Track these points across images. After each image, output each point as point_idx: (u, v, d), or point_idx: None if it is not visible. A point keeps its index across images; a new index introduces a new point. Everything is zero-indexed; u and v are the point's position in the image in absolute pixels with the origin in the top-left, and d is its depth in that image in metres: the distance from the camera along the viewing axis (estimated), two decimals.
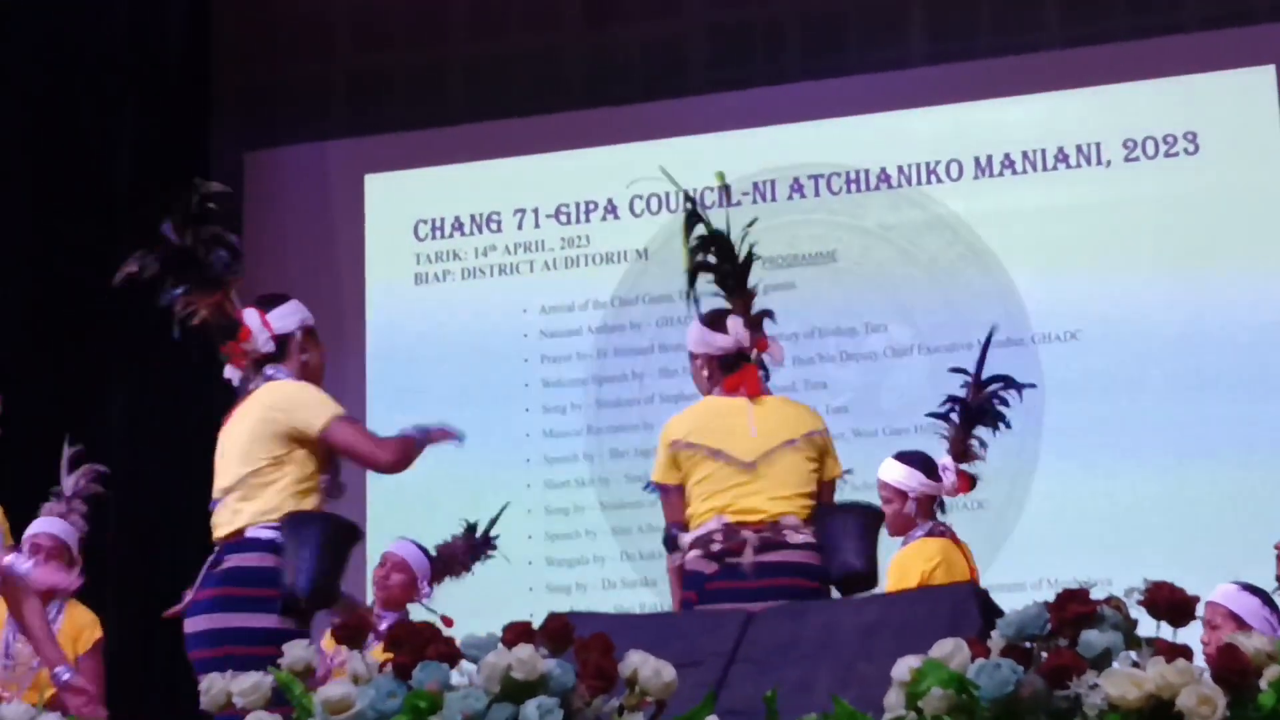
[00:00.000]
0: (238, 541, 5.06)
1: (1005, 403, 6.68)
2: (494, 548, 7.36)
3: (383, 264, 9.55)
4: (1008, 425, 6.60)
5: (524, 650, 2.88)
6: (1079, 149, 8.73)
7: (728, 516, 5.51)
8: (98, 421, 9.04)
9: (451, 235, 9.48)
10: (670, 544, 5.62)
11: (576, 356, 9.28)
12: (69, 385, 8.94)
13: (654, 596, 8.70)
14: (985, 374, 6.72)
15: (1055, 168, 8.76)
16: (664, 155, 9.27)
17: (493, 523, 7.06)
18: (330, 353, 9.61)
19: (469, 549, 7.34)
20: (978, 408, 6.66)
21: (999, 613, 3.42)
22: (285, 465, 5.11)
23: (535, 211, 9.41)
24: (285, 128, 9.82)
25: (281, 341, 5.34)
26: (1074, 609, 2.87)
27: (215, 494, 5.21)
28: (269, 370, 5.30)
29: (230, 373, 5.37)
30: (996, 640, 2.91)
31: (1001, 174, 8.84)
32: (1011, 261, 8.76)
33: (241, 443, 5.16)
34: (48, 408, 8.64)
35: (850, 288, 8.90)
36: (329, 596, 4.98)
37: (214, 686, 2.98)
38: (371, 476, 9.21)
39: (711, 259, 5.92)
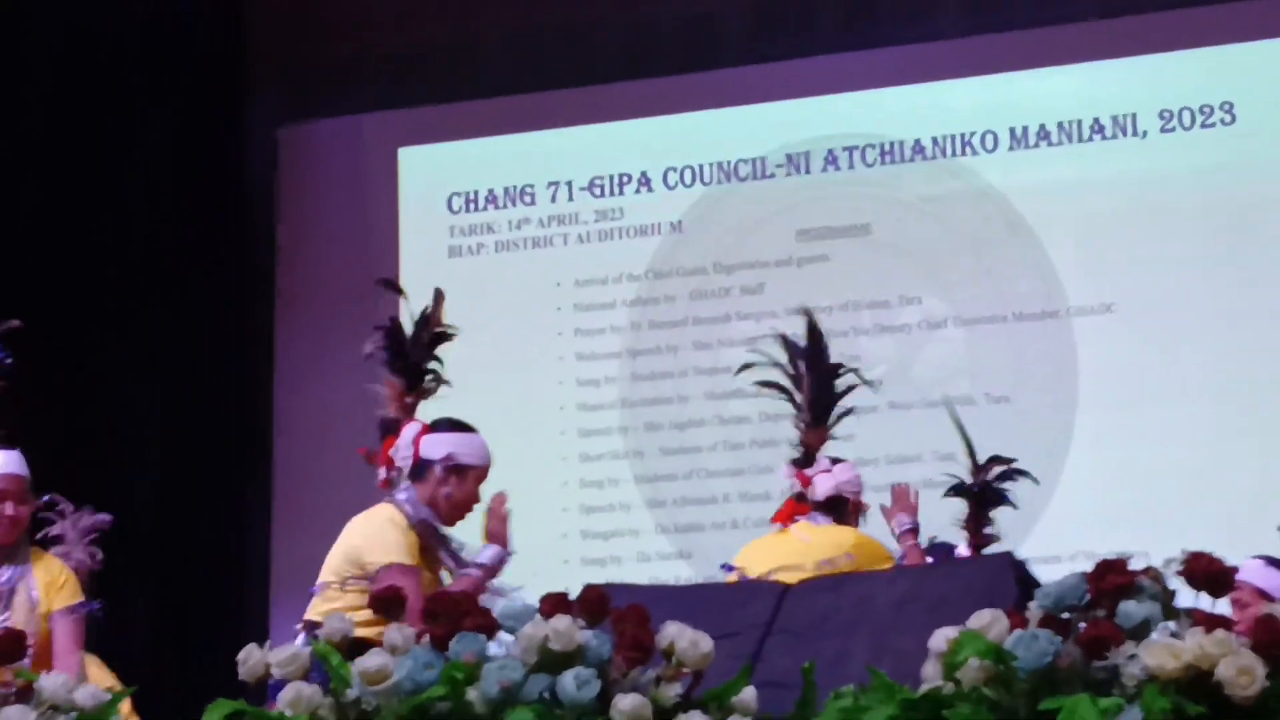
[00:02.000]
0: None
1: (1009, 482, 6.54)
2: None
3: (416, 237, 9.55)
4: (1015, 507, 6.48)
5: (561, 621, 2.89)
6: (1115, 120, 8.69)
7: None
8: (131, 399, 9.09)
9: (485, 208, 9.48)
10: None
11: (610, 330, 9.27)
12: (104, 357, 8.97)
13: (689, 569, 8.71)
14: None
15: (1091, 139, 8.72)
16: (698, 127, 9.28)
17: None
18: (363, 326, 9.68)
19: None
20: (983, 492, 6.50)
21: (1036, 584, 3.42)
22: (353, 586, 5.12)
23: (569, 184, 9.41)
24: (320, 102, 9.82)
25: (422, 464, 5.35)
26: (1112, 580, 2.87)
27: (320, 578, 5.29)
28: (401, 488, 5.37)
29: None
30: (1034, 611, 2.90)
31: (1037, 145, 8.80)
32: (1047, 233, 8.72)
33: (335, 547, 5.29)
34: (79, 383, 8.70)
35: (885, 260, 8.88)
36: None
37: (251, 657, 2.99)
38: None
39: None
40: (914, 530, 6.05)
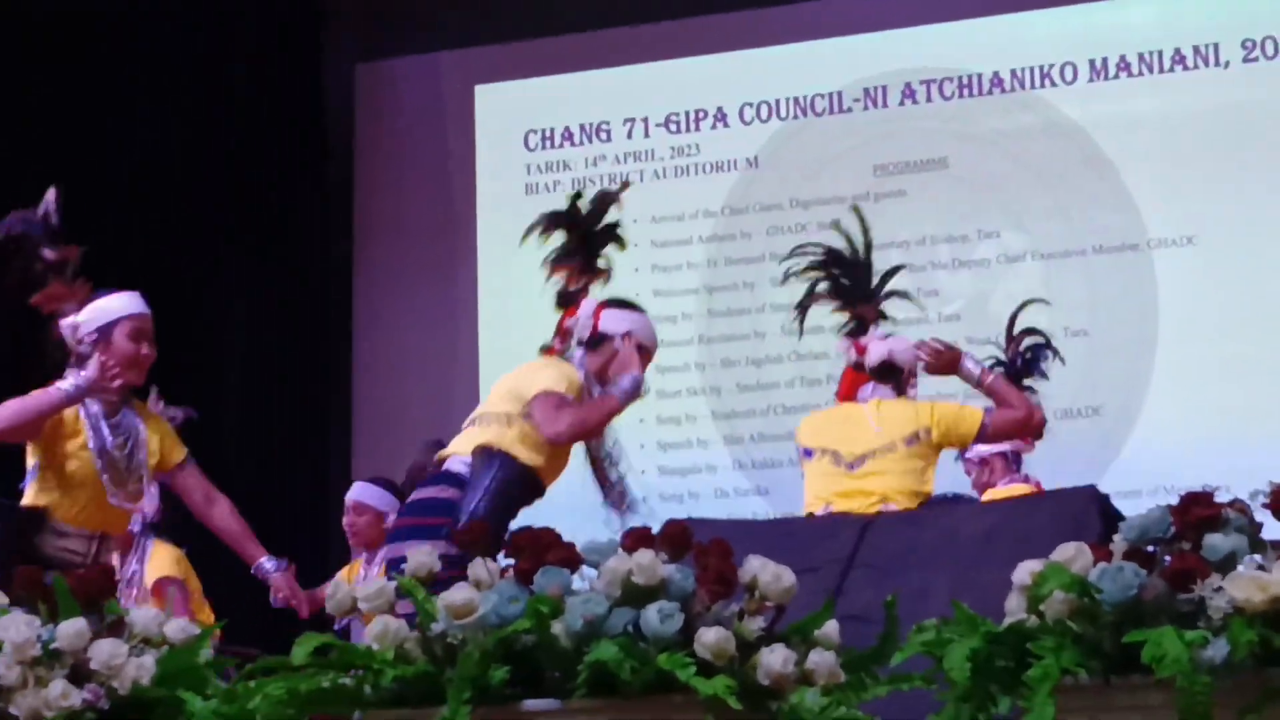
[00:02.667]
0: (434, 474, 5.29)
1: (1041, 354, 6.62)
2: None
3: (493, 174, 9.56)
4: (1045, 376, 6.50)
5: (644, 555, 2.89)
6: (1196, 50, 8.60)
7: (834, 506, 5.59)
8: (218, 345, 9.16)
9: (561, 145, 9.47)
10: None
11: (687, 266, 9.26)
12: (191, 293, 9.03)
13: (766, 505, 8.72)
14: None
15: (1172, 70, 8.63)
16: (775, 61, 9.24)
17: None
18: (442, 264, 9.71)
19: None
20: (1015, 363, 6.64)
21: (1119, 517, 3.41)
22: (510, 417, 5.24)
23: (645, 121, 9.39)
24: (397, 39, 9.83)
25: (600, 338, 5.47)
26: (1197, 512, 2.85)
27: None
28: (574, 353, 5.49)
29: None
30: (1119, 544, 2.89)
31: (1117, 77, 8.72)
32: (1126, 166, 8.65)
33: (499, 387, 5.39)
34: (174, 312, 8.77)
35: (962, 194, 8.83)
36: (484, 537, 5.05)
37: (339, 591, 3.01)
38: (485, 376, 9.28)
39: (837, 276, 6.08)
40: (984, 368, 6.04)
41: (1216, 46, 8.55)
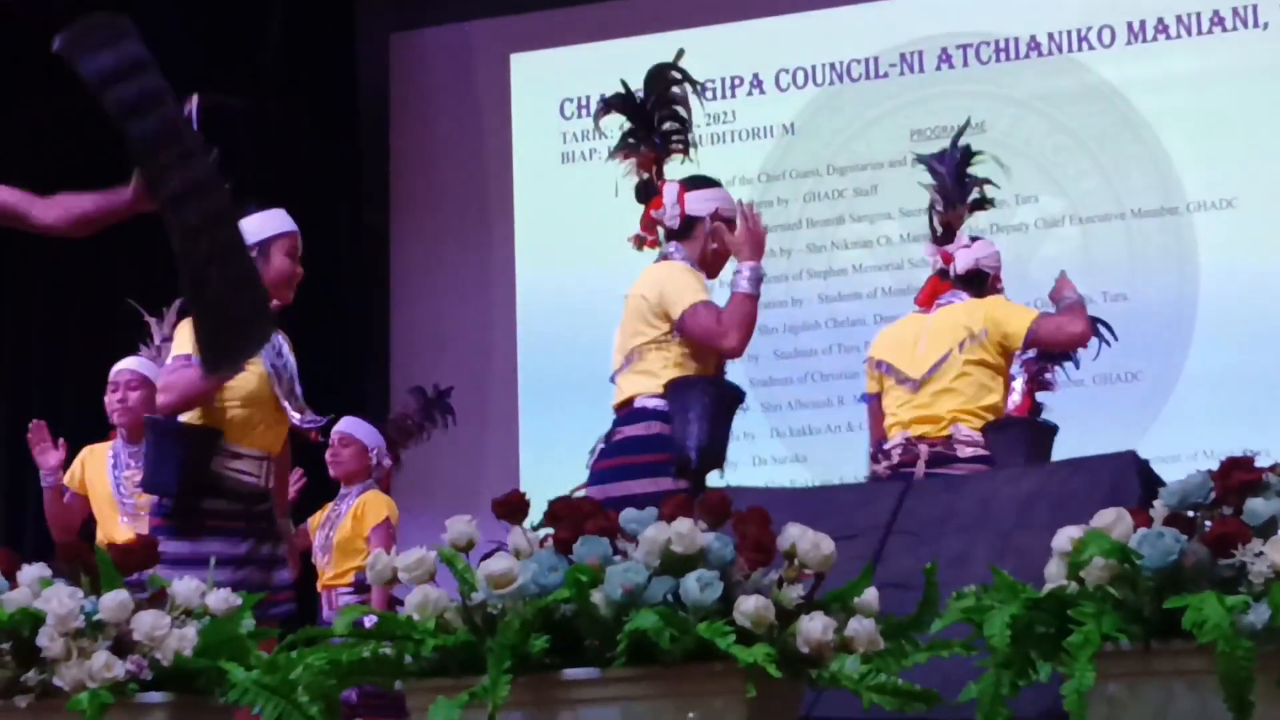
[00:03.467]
0: (629, 412, 5.28)
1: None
2: (449, 410, 7.50)
3: (529, 143, 9.56)
4: (1077, 365, 6.49)
5: (683, 524, 2.90)
6: (1235, 11, 8.55)
7: (910, 432, 5.74)
8: None
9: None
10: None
11: None
12: None
13: (805, 472, 8.72)
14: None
15: (1210, 31, 8.59)
16: (811, 28, 9.21)
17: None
18: (480, 232, 9.72)
19: (421, 410, 7.50)
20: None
21: (1159, 483, 3.40)
22: (666, 342, 5.27)
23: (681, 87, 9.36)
24: (431, 7, 9.84)
25: (688, 222, 5.47)
26: (1238, 477, 2.84)
27: (613, 366, 5.42)
28: (669, 248, 5.48)
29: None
30: (1159, 509, 2.88)
31: (1155, 39, 8.68)
32: (1165, 128, 8.62)
33: (627, 318, 5.37)
34: None
35: (1000, 158, 8.79)
36: (716, 458, 5.20)
37: (380, 562, 3.02)
38: (526, 364, 9.30)
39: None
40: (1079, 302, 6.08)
41: (1255, 7, 8.51)
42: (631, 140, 5.63)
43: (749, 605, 2.83)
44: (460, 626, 2.95)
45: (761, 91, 9.27)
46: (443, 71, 9.78)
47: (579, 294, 8.94)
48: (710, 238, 5.45)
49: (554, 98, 9.55)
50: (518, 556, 2.96)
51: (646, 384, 5.27)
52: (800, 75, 9.21)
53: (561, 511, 3.01)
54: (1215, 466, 2.90)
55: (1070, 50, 8.80)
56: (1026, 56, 8.87)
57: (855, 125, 9.11)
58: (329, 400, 9.34)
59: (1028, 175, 8.76)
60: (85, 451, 6.67)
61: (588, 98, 9.48)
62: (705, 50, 9.32)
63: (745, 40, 9.26)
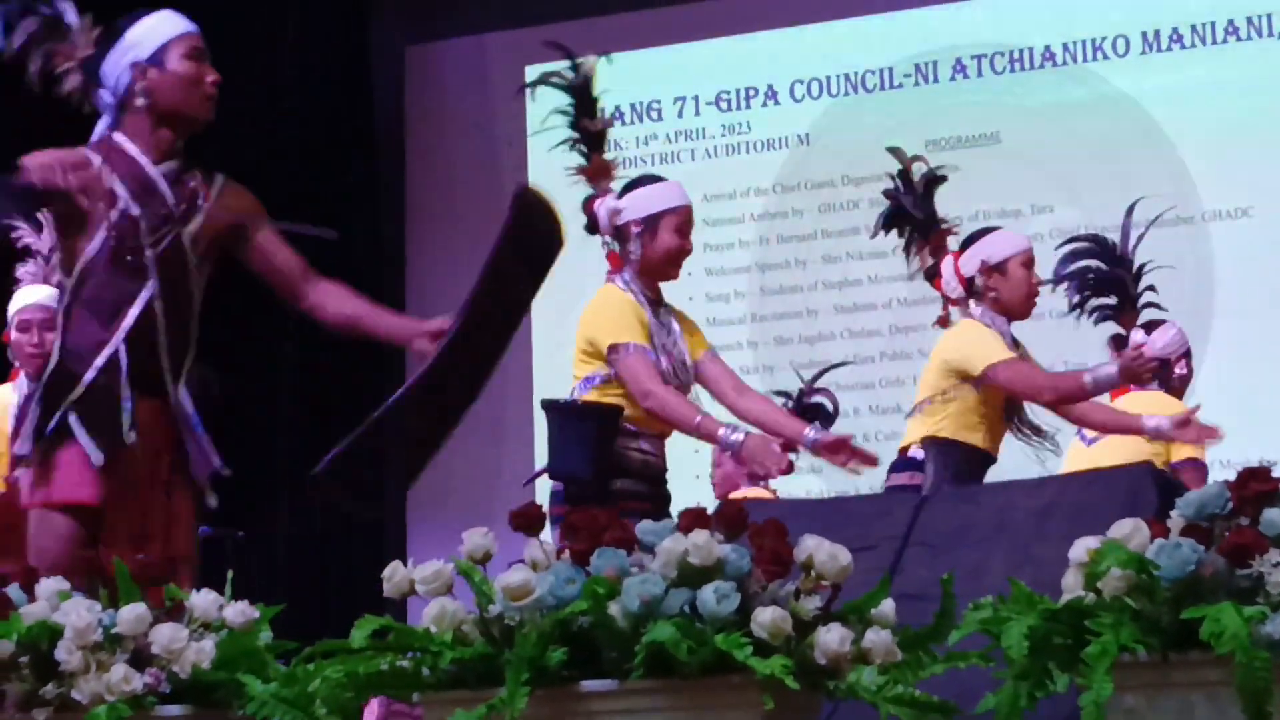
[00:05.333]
0: (899, 460, 5.97)
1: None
2: None
3: (544, 155, 9.54)
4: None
5: (700, 536, 2.90)
6: (1250, 21, 8.55)
7: None
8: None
9: (612, 124, 9.45)
10: None
11: (739, 244, 9.27)
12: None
13: (821, 483, 8.71)
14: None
15: (1225, 41, 8.58)
16: (826, 38, 9.22)
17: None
18: (493, 244, 9.71)
19: None
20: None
21: (1177, 493, 3.40)
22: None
23: (695, 99, 9.38)
24: (446, 20, 9.85)
25: (969, 284, 5.83)
26: (1255, 487, 2.84)
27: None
28: (975, 310, 5.83)
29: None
30: (1176, 520, 2.88)
31: (1170, 49, 8.68)
32: (1180, 138, 8.61)
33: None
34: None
35: (1015, 169, 8.80)
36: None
37: (396, 574, 3.02)
38: (540, 370, 9.30)
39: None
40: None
41: (1270, 17, 8.50)
42: (911, 235, 6.02)
43: (766, 617, 2.84)
44: (478, 639, 2.95)
45: (776, 102, 9.28)
46: (458, 83, 9.80)
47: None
48: (989, 289, 5.83)
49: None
50: (535, 568, 2.97)
51: (914, 435, 5.84)
52: (815, 86, 9.21)
53: (578, 523, 3.01)
54: (1232, 477, 2.90)
55: (1085, 60, 8.80)
56: (1041, 66, 8.87)
57: (870, 136, 9.09)
58: (344, 408, 9.38)
59: (1043, 185, 8.76)
60: None
61: (602, 109, 9.48)
62: (720, 61, 9.35)
63: (760, 51, 9.27)
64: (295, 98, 9.47)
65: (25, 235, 6.17)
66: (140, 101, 4.26)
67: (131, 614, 3.16)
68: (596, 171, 5.31)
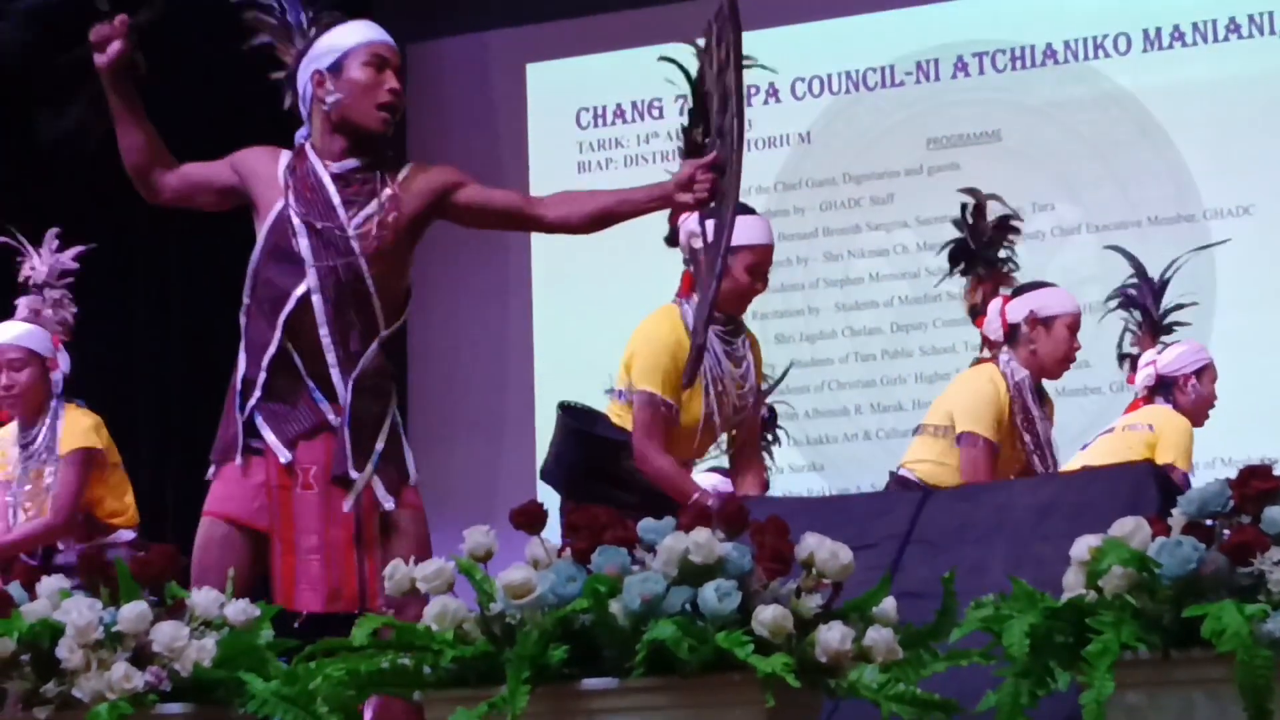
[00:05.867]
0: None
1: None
2: None
3: (545, 153, 9.57)
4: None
5: (701, 534, 2.90)
6: (1251, 19, 8.54)
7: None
8: None
9: (614, 123, 9.47)
10: None
11: None
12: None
13: (822, 481, 8.72)
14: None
15: (1227, 39, 8.58)
16: (826, 36, 9.21)
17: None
18: (495, 241, 9.73)
19: None
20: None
21: (1178, 491, 3.40)
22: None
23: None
24: (446, 18, 9.85)
25: (1012, 330, 5.81)
26: (1257, 485, 2.84)
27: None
28: (1003, 356, 5.78)
29: None
30: (1177, 518, 2.88)
31: (1171, 46, 8.67)
32: (1181, 136, 8.61)
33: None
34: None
35: (1016, 167, 8.78)
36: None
37: (397, 572, 3.03)
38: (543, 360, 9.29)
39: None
40: None
41: (1271, 14, 8.49)
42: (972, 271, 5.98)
43: (767, 615, 2.84)
44: (479, 637, 2.96)
45: (777, 100, 9.28)
46: (459, 82, 9.80)
47: (595, 304, 8.94)
48: (1029, 341, 5.81)
49: (570, 107, 9.56)
50: (535, 567, 2.97)
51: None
52: (816, 84, 9.21)
53: (579, 522, 3.02)
54: (1233, 475, 2.90)
55: (1086, 58, 8.79)
56: (1042, 64, 8.87)
57: (871, 134, 9.11)
58: None
59: (1043, 183, 8.76)
60: None
61: (604, 107, 9.50)
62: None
63: (761, 49, 9.12)
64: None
65: (26, 267, 6.19)
66: (320, 108, 4.37)
67: (133, 612, 3.17)
68: None
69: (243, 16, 4.52)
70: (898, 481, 5.89)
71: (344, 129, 4.36)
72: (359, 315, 4.25)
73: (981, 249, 6.03)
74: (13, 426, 6.21)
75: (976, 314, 6.02)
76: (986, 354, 5.95)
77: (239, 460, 4.19)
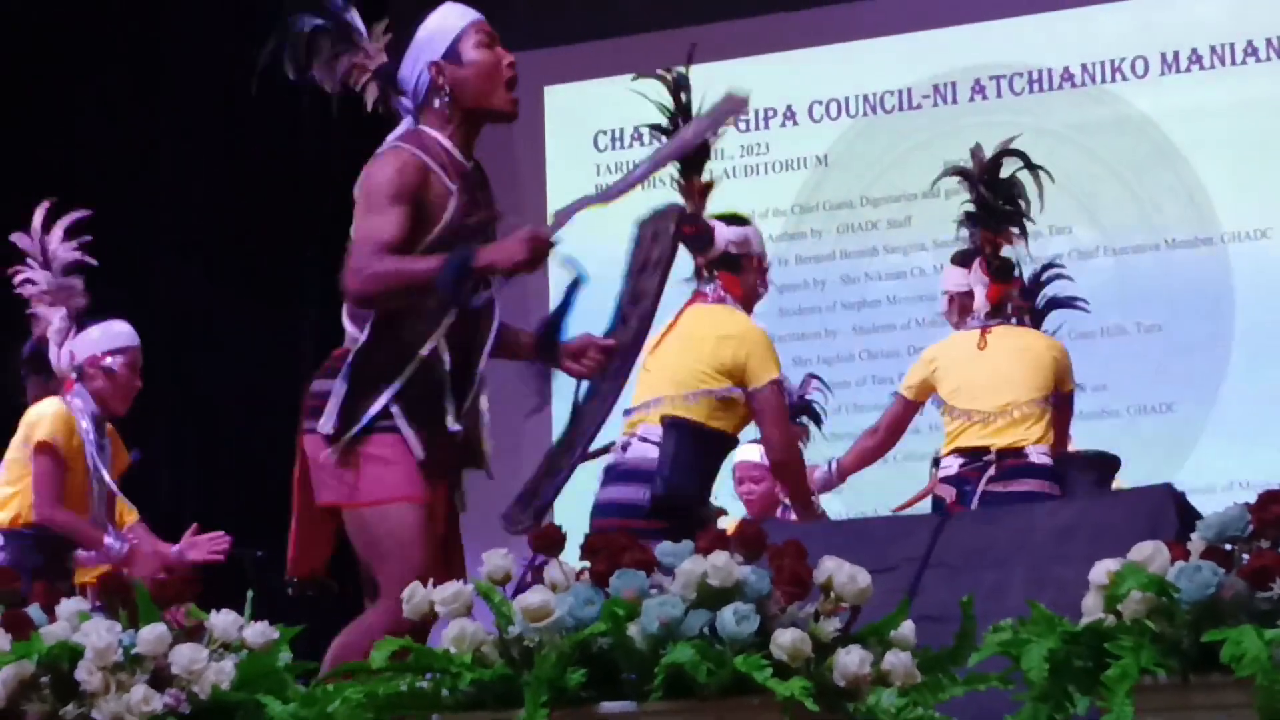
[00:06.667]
0: None
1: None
2: None
3: (563, 176, 9.57)
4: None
5: (719, 557, 2.90)
6: (1269, 42, 8.53)
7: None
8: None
9: (631, 145, 9.48)
10: None
11: None
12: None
13: (839, 504, 8.70)
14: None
15: (1244, 62, 8.57)
16: (844, 59, 9.22)
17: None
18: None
19: None
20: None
21: (1196, 515, 3.40)
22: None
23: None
24: None
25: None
26: (1275, 510, 2.84)
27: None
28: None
29: None
30: (1196, 542, 2.88)
31: (1189, 70, 8.67)
32: (1199, 159, 8.60)
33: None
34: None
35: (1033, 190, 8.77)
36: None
37: (415, 595, 3.02)
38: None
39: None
40: None
41: None
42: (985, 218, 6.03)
43: (785, 638, 2.84)
44: (497, 660, 2.96)
45: (795, 123, 9.28)
46: None
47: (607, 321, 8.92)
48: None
49: (587, 130, 9.57)
50: (554, 590, 2.97)
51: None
52: (834, 106, 9.22)
53: (598, 545, 3.02)
54: (1252, 498, 2.90)
55: (1104, 81, 8.79)
56: (1060, 87, 8.86)
57: (888, 156, 9.11)
58: None
59: (1061, 206, 8.71)
60: None
61: (621, 130, 9.50)
62: (739, 81, 9.29)
63: (778, 72, 9.27)
64: (314, 120, 9.48)
65: (40, 316, 6.07)
66: (440, 101, 4.13)
67: (152, 634, 3.17)
68: (701, 191, 5.75)
69: (292, 41, 4.35)
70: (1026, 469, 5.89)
71: (471, 118, 4.18)
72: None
73: (989, 206, 6.06)
74: (63, 409, 6.01)
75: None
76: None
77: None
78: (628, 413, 5.43)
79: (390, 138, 4.21)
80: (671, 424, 5.26)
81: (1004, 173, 6.17)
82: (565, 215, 4.12)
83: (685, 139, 4.66)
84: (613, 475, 5.37)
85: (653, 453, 5.26)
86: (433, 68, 4.12)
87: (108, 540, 5.75)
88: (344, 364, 4.05)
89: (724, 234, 5.60)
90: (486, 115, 4.20)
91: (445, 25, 4.15)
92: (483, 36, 4.14)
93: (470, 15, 4.19)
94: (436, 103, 4.13)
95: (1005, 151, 6.04)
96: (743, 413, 5.38)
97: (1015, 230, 6.11)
